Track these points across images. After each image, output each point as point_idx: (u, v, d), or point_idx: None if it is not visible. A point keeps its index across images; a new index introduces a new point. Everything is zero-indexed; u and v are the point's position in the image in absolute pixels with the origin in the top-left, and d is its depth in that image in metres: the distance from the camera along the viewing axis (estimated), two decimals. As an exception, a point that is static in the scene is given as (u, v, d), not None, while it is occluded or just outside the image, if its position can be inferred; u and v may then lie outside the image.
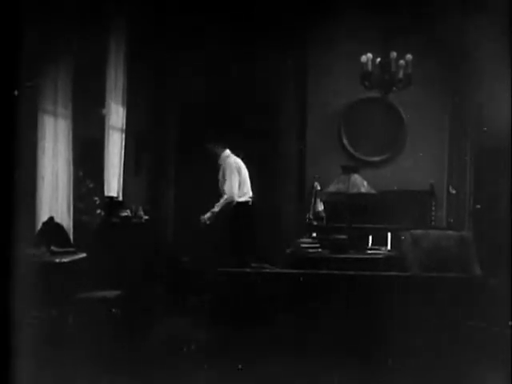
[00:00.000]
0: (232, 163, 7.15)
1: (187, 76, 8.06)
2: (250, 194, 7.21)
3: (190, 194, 7.97)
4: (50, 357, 4.26)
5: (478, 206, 8.29)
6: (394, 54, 6.88)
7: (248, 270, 5.75)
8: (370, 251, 6.94)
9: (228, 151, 7.20)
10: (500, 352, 4.04)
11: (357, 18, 7.74)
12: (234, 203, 7.07)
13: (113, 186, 7.59)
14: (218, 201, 7.08)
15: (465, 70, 7.79)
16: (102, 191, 7.30)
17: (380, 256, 6.78)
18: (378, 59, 7.01)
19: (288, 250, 6.98)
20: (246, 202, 7.16)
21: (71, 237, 6.56)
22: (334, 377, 4.66)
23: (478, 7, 5.89)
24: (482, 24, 5.73)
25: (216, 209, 7.07)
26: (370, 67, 6.96)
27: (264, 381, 4.69)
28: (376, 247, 7.01)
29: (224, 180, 7.09)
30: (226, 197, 7.05)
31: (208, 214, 7.09)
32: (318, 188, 7.90)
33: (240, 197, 7.12)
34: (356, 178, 7.31)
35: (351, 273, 5.62)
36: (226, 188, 7.06)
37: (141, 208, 7.38)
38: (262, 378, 4.70)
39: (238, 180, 7.12)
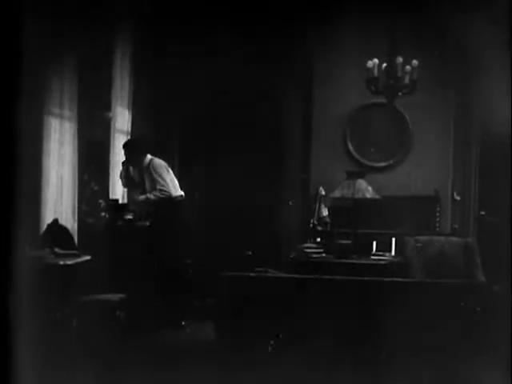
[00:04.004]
0: (160, 163, 7.12)
1: (193, 79, 8.07)
2: (181, 192, 7.20)
3: (193, 196, 7.97)
4: (52, 359, 4.26)
5: (483, 213, 8.28)
6: (399, 60, 6.86)
7: (252, 274, 5.74)
8: (374, 257, 6.93)
9: (149, 155, 7.14)
10: (501, 357, 4.04)
11: (363, 23, 7.75)
12: (176, 196, 7.06)
13: (117, 188, 7.60)
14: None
15: (470, 76, 7.78)
16: (107, 194, 7.31)
17: (384, 262, 6.78)
18: (384, 64, 6.99)
19: (292, 255, 6.98)
20: (180, 197, 7.14)
21: (76, 239, 6.57)
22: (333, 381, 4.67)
23: (480, 11, 5.88)
24: (488, 29, 5.73)
25: (151, 196, 7.04)
26: (375, 72, 6.94)
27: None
28: (380, 253, 7.01)
29: (157, 178, 7.02)
30: (162, 188, 7.01)
31: (142, 197, 7.09)
32: (323, 193, 7.88)
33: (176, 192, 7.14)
34: (361, 183, 7.29)
35: (355, 278, 5.61)
36: (162, 184, 7.01)
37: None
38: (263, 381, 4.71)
39: (169, 177, 7.10)
